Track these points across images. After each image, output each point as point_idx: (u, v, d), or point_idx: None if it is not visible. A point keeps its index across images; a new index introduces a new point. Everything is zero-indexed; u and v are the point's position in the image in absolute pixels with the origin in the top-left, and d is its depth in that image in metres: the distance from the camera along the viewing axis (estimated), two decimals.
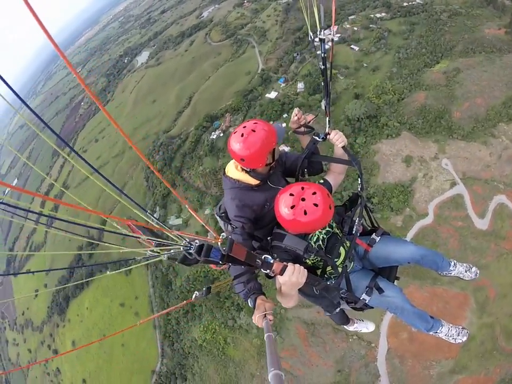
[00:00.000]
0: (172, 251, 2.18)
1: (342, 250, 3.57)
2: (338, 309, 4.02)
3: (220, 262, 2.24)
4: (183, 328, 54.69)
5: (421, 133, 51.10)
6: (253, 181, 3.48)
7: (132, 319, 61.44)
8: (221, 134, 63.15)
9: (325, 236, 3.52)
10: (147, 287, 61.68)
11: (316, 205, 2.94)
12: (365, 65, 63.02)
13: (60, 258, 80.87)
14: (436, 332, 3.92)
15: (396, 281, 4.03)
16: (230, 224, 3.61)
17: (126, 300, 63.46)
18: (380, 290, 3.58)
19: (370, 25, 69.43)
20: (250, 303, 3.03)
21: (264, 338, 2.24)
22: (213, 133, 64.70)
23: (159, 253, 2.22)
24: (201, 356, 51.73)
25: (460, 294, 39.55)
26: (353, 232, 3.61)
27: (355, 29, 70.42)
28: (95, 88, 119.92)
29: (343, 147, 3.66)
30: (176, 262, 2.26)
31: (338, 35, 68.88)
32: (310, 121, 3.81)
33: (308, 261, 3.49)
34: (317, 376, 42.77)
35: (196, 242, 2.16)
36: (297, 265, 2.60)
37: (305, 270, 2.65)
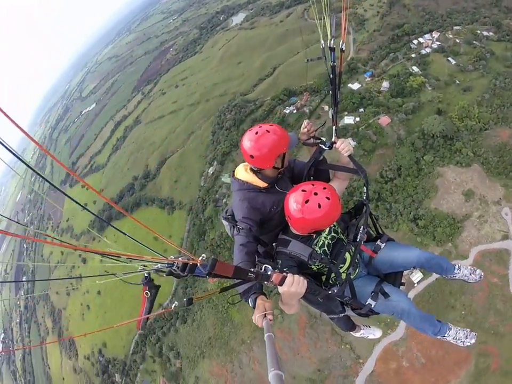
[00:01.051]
0: (158, 265, 2.37)
1: (347, 256, 3.63)
2: (342, 314, 4.05)
3: (207, 277, 2.26)
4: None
5: (492, 172, 47.51)
6: (261, 184, 3.57)
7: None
8: (294, 111, 64.33)
9: (330, 242, 3.58)
10: (183, 230, 65.82)
11: (328, 198, 3.06)
12: (457, 82, 59.94)
13: (115, 182, 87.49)
14: (444, 336, 3.98)
15: (401, 286, 4.08)
16: (236, 225, 3.60)
17: (164, 233, 67.78)
18: (386, 295, 3.62)
19: (474, 42, 65.16)
20: (250, 303, 3.01)
21: (264, 338, 2.25)
22: (287, 107, 65.89)
23: (146, 266, 2.39)
24: (206, 307, 55.33)
25: (463, 351, 37.58)
26: (358, 239, 3.66)
27: (457, 41, 66.53)
28: (186, 37, 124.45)
29: (349, 156, 3.76)
30: (165, 275, 2.34)
31: (438, 43, 65.97)
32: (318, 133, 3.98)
33: (313, 267, 3.52)
34: (298, 366, 44.16)
35: (179, 260, 2.27)
36: (296, 276, 2.58)
37: (305, 280, 2.64)
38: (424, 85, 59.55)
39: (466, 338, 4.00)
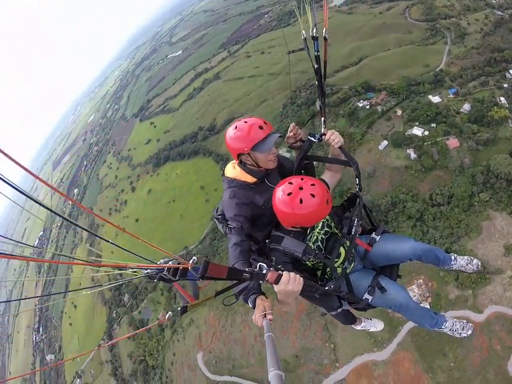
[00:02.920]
0: (148, 270, 2.27)
1: (342, 250, 3.59)
2: (340, 309, 3.99)
3: (200, 280, 2.25)
4: None
5: None
6: (250, 179, 3.58)
7: (201, 203, 71.43)
8: (367, 106, 64.20)
9: (323, 237, 3.55)
10: None
11: (312, 195, 3.03)
12: None
13: (182, 127, 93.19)
14: (441, 328, 4.01)
15: (398, 279, 4.03)
16: (228, 225, 3.61)
17: (207, 186, 72.89)
18: (382, 289, 3.59)
19: None
20: (250, 304, 3.02)
21: (264, 338, 2.23)
22: (361, 101, 65.90)
23: (136, 272, 2.28)
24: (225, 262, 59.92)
25: None
26: (352, 232, 3.59)
27: None
28: (283, 7, 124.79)
29: (340, 147, 3.69)
30: (155, 280, 2.27)
31: None
32: (303, 137, 3.96)
33: (307, 262, 3.49)
34: (280, 345, 45.18)
35: (169, 264, 2.21)
36: (292, 274, 2.56)
37: (301, 278, 2.62)
38: (506, 120, 55.90)
39: (463, 329, 4.08)
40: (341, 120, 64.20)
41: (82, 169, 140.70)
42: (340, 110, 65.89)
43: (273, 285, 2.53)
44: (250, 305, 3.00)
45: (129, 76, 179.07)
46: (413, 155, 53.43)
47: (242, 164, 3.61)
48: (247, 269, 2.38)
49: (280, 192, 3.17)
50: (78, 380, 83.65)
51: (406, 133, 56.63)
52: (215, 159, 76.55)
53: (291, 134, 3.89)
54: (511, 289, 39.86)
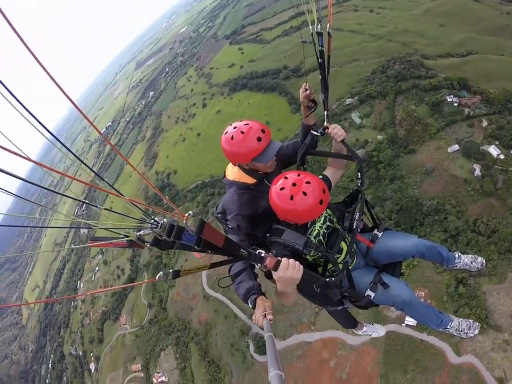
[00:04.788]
0: (141, 231, 2.04)
1: (343, 245, 3.61)
2: (341, 307, 3.93)
3: (196, 248, 2.08)
4: None
5: None
6: (250, 180, 3.60)
7: None
8: (455, 104, 60.77)
9: (325, 231, 3.55)
10: (292, 133, 70.52)
11: (304, 193, 3.00)
12: None
13: (267, 61, 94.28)
14: (446, 328, 3.95)
15: (400, 277, 3.99)
16: (227, 224, 3.64)
17: (273, 124, 72.73)
18: (385, 286, 3.56)
19: None
20: (250, 304, 3.02)
21: (264, 338, 2.24)
22: (451, 96, 62.12)
23: (128, 234, 2.09)
24: None
25: None
26: (354, 227, 3.60)
27: None
28: None
29: (342, 141, 3.67)
30: (148, 245, 2.07)
31: None
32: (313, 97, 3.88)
33: (308, 257, 3.50)
34: (268, 287, 50.79)
35: (164, 221, 1.99)
36: (291, 260, 2.56)
37: (301, 265, 2.62)
38: None
39: (470, 329, 3.98)
40: (423, 106, 62.31)
41: (163, 76, 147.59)
42: (426, 96, 63.38)
43: (272, 272, 2.55)
44: (250, 306, 3.01)
45: None
46: (477, 172, 50.49)
47: (240, 167, 3.64)
48: (241, 246, 2.40)
49: (274, 185, 3.18)
50: (100, 256, 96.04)
51: (481, 147, 53.16)
52: (289, 100, 78.00)
53: (307, 92, 3.81)
54: (498, 352, 37.72)
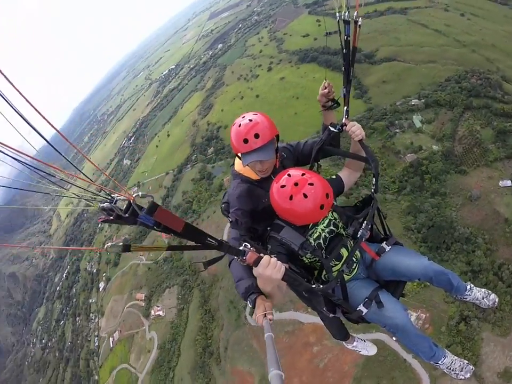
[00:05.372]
0: (105, 204, 1.94)
1: (344, 252, 3.41)
2: (332, 315, 3.67)
3: (155, 228, 1.97)
4: None
5: None
6: (254, 176, 3.47)
7: (317, 114, 72.77)
8: None
9: (327, 235, 3.34)
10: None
11: (305, 195, 2.84)
12: None
13: None
14: (437, 363, 3.63)
15: (401, 298, 3.75)
16: (228, 217, 3.59)
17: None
18: (379, 304, 3.30)
19: None
20: (250, 303, 2.97)
21: (264, 338, 2.22)
22: None
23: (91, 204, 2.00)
24: None
25: None
26: (358, 235, 3.38)
27: None
28: None
29: (360, 142, 3.47)
30: (111, 218, 1.95)
31: None
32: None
33: (304, 258, 3.33)
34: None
35: (120, 198, 1.95)
36: (273, 259, 2.45)
37: (283, 266, 2.49)
38: None
39: (462, 371, 3.67)
40: (488, 130, 58.10)
41: (234, 31, 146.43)
42: (495, 120, 58.74)
43: (253, 267, 2.48)
44: (250, 305, 2.97)
45: None
46: None
47: None
48: (209, 235, 2.24)
49: (275, 182, 3.04)
50: (136, 187, 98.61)
51: None
52: (355, 85, 75.24)
53: (325, 91, 3.64)
54: None
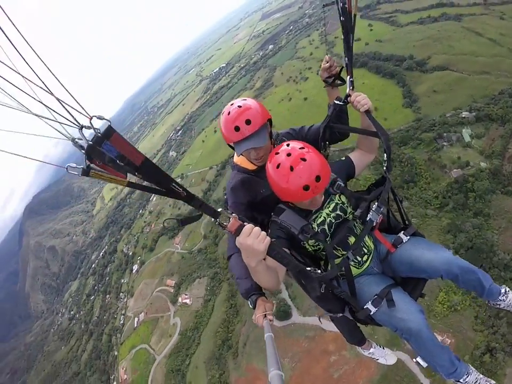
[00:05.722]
0: (77, 138, 1.53)
1: (352, 240, 3.05)
2: (340, 314, 3.24)
3: (118, 162, 1.64)
4: None
5: None
6: (251, 166, 3.31)
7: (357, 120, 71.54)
8: None
9: (333, 221, 3.02)
10: (400, 123, 67.38)
11: (291, 169, 2.52)
12: None
13: (398, 46, 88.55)
14: (459, 381, 2.94)
15: (420, 298, 3.28)
16: (227, 209, 3.25)
17: (382, 112, 69.08)
18: (390, 303, 2.80)
19: None
20: (250, 304, 2.92)
21: (264, 338, 2.19)
22: None
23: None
24: None
25: None
26: (368, 218, 2.96)
27: None
28: None
29: (367, 113, 3.12)
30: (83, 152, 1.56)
31: None
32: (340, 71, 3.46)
33: (307, 246, 3.03)
34: None
35: (89, 124, 1.53)
36: (256, 228, 2.14)
37: (268, 238, 2.16)
38: None
39: None
40: None
41: (286, 32, 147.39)
42: None
43: (235, 236, 2.18)
44: (251, 306, 2.91)
45: None
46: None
47: None
48: (192, 193, 1.98)
49: (276, 149, 2.75)
50: (180, 179, 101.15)
51: None
52: (405, 93, 72.77)
53: (327, 65, 3.42)
54: None
